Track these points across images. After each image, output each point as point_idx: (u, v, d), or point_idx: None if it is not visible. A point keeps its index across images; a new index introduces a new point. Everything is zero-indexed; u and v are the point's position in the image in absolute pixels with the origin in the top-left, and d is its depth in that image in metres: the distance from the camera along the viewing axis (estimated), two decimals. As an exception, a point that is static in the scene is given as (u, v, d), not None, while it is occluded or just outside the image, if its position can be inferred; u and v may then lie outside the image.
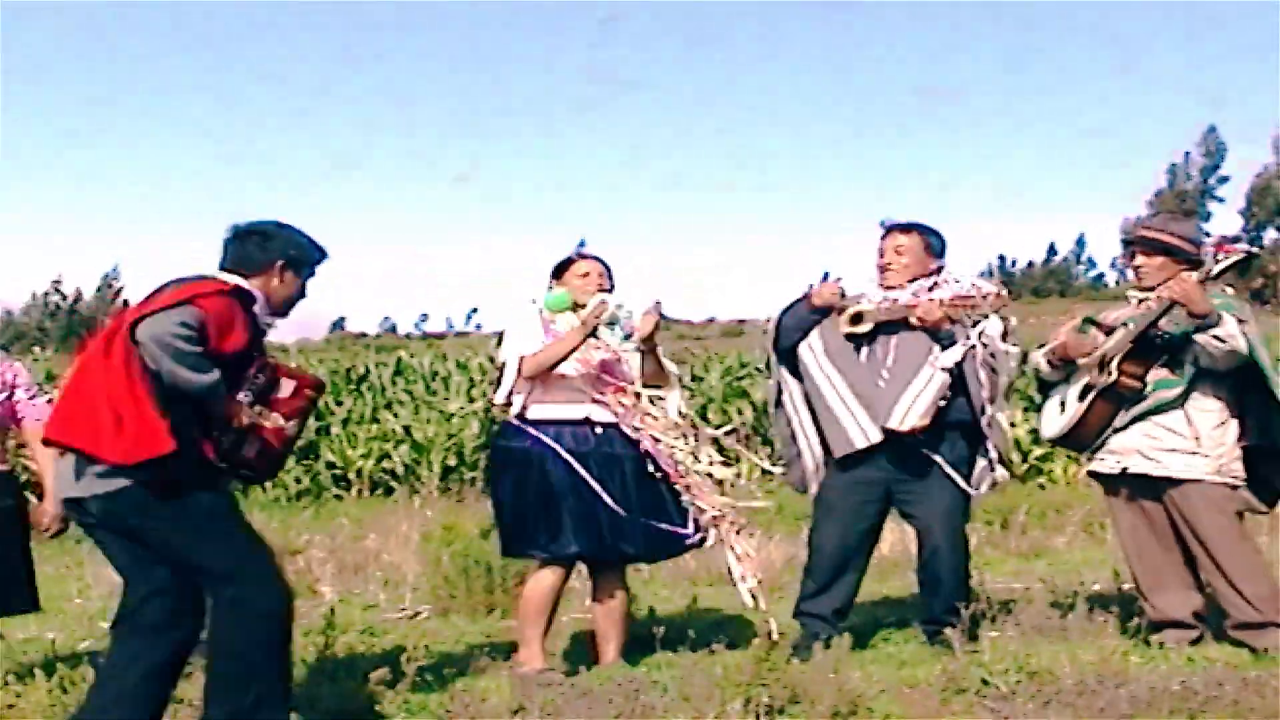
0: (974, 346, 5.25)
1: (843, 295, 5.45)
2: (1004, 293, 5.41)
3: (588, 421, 5.07)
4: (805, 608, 5.39)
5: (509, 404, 5.18)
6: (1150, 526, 5.24)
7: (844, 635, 4.73)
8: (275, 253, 4.18)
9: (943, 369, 5.21)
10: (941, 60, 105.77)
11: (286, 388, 4.18)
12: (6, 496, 4.95)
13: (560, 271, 5.28)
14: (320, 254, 4.32)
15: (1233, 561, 5.05)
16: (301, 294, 4.28)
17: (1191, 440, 5.10)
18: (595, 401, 5.08)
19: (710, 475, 5.14)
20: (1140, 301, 5.27)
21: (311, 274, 4.30)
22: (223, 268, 4.17)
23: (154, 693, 4.06)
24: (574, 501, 4.98)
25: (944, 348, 5.24)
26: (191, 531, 3.97)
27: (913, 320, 5.26)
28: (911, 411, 5.18)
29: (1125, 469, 5.20)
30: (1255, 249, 5.13)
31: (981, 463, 5.41)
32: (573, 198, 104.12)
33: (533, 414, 5.09)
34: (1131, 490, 5.26)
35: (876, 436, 5.23)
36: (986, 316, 5.29)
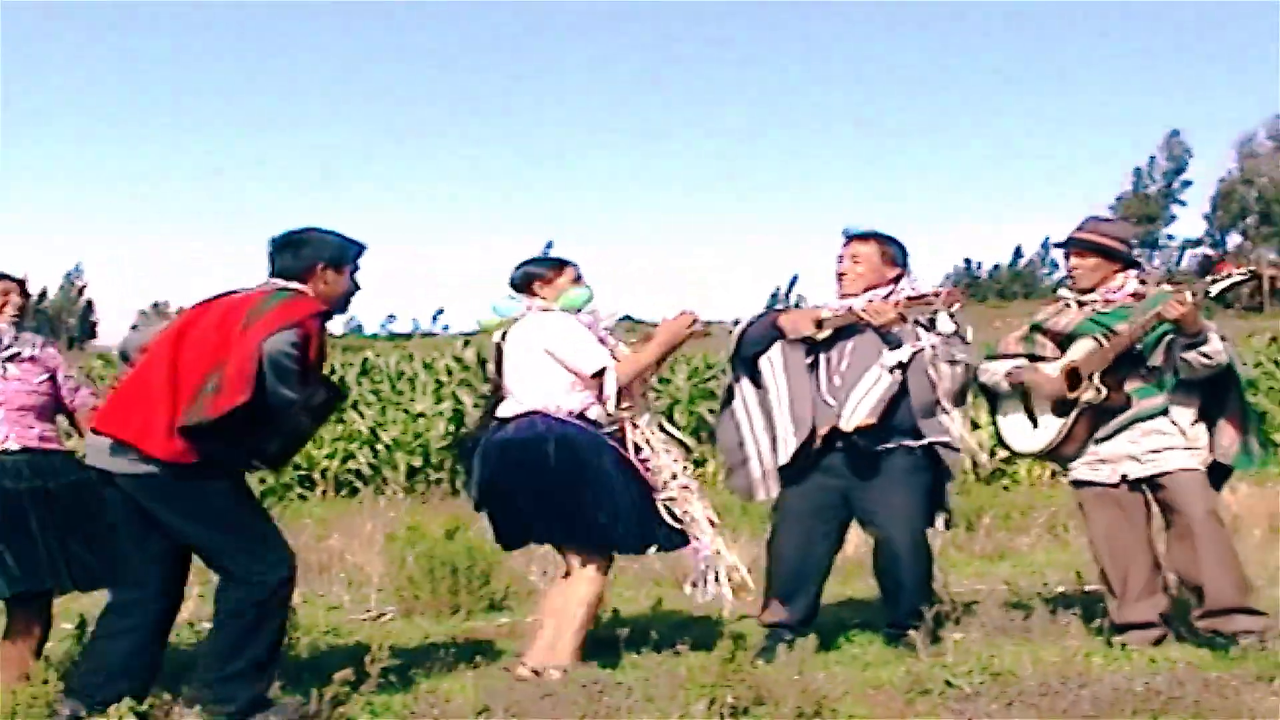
0: (924, 348, 5.26)
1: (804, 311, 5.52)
2: (954, 290, 5.43)
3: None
4: (768, 618, 5.39)
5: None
6: (1129, 527, 5.27)
7: (809, 636, 4.73)
8: (310, 259, 4.39)
9: (889, 369, 5.22)
10: (917, 66, 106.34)
11: (320, 395, 4.40)
12: (72, 474, 4.82)
13: (546, 279, 5.17)
14: (357, 247, 4.49)
15: (1215, 545, 5.10)
16: (354, 288, 4.49)
17: (1180, 437, 5.19)
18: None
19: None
20: (1081, 305, 5.33)
21: (356, 268, 4.49)
22: (272, 277, 4.41)
23: (144, 663, 4.33)
24: (638, 497, 4.98)
25: (893, 349, 5.25)
26: (209, 517, 4.30)
27: (868, 320, 5.26)
28: (858, 410, 5.18)
29: (1125, 476, 5.24)
30: (1254, 268, 5.18)
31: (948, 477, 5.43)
32: (572, 198, 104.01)
33: (591, 414, 5.03)
34: (1117, 492, 5.28)
35: (784, 459, 5.30)
36: (938, 314, 5.30)
